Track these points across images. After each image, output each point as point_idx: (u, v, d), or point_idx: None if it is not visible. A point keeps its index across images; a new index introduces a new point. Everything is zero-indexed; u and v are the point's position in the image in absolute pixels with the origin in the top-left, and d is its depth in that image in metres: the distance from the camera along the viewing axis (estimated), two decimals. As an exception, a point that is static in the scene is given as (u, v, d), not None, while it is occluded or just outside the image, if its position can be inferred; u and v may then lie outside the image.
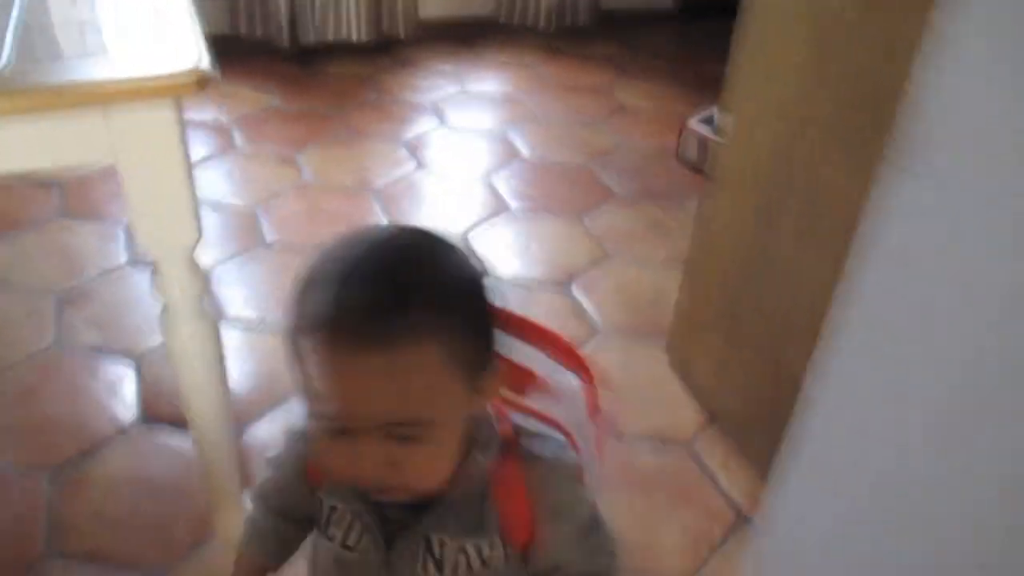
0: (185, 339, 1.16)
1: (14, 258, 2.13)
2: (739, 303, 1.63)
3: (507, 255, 2.29)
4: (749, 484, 1.61)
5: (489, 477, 0.78)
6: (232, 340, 1.87)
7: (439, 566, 0.80)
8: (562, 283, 2.18)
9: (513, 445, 0.80)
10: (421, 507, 0.78)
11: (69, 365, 1.82)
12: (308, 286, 0.68)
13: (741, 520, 1.53)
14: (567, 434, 0.86)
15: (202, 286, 1.14)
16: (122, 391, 1.77)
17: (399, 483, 0.72)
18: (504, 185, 2.58)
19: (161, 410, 1.70)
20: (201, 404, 1.23)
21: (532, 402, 0.86)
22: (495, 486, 0.78)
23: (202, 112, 2.78)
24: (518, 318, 0.83)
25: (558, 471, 0.81)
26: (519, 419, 0.83)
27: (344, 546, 0.83)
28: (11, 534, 1.46)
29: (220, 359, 1.21)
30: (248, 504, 0.95)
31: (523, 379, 0.86)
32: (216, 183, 2.51)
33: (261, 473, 0.92)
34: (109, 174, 1.85)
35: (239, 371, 1.80)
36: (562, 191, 2.56)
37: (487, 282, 0.73)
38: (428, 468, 0.73)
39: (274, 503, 0.91)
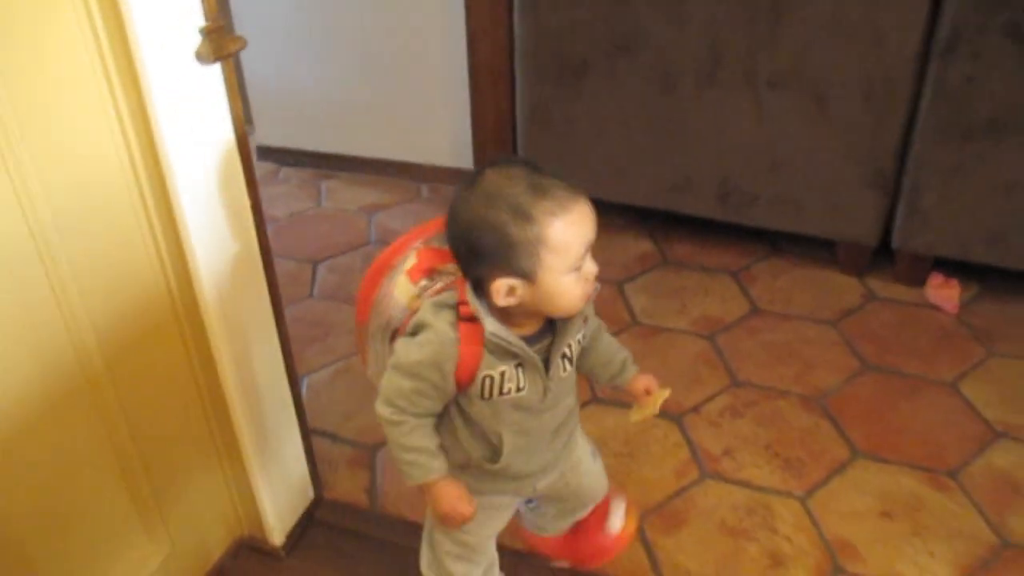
0: None
1: None
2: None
3: None
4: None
5: None
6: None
7: (571, 361, 1.16)
8: None
9: None
10: (549, 333, 1.12)
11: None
12: (536, 199, 0.98)
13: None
14: None
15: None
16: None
17: (590, 290, 1.07)
18: None
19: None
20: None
21: None
22: None
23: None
24: None
25: None
26: None
27: (518, 391, 1.11)
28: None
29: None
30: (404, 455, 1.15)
31: None
32: None
33: (394, 423, 1.12)
34: None
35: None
36: None
37: None
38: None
39: (421, 431, 1.13)
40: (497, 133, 2.62)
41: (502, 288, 1.03)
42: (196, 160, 1.27)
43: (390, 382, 1.11)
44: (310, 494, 1.70)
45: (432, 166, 2.90)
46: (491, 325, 1.05)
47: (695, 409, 1.95)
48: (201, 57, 1.22)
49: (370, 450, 1.86)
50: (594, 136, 2.43)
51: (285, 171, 3.05)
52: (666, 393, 1.26)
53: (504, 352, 1.08)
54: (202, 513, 1.52)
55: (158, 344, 1.34)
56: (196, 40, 1.21)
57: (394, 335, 1.18)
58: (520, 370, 1.10)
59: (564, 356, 1.14)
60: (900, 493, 1.74)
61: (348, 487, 1.77)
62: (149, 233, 1.27)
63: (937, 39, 2.03)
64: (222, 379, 1.44)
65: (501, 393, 1.10)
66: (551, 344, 1.12)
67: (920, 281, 2.34)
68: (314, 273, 2.48)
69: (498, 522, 1.34)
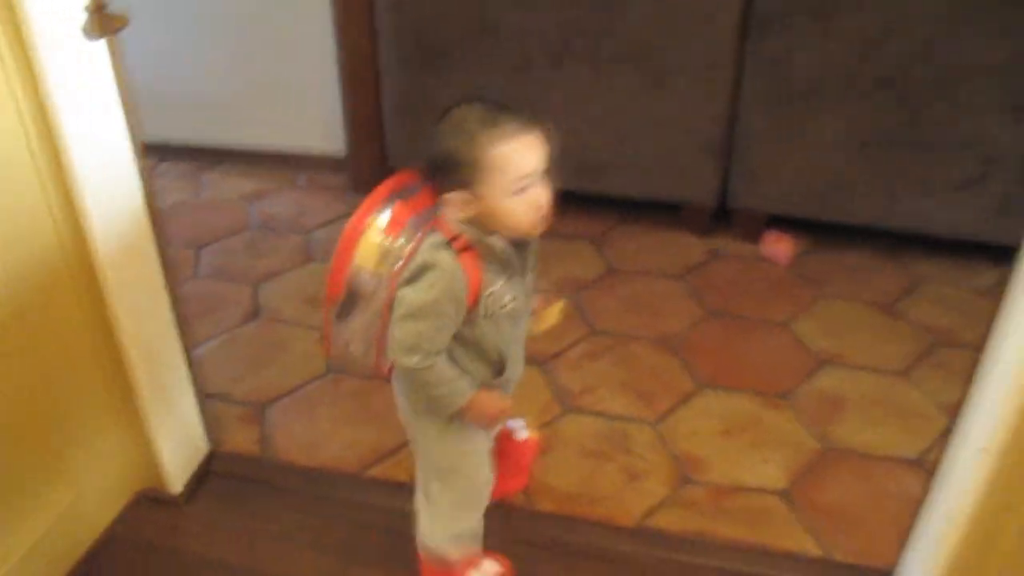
0: None
1: None
2: None
3: None
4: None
5: None
6: None
7: (533, 273, 1.33)
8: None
9: None
10: (522, 248, 1.27)
11: None
12: (484, 128, 1.15)
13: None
14: None
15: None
16: None
17: (546, 213, 1.21)
18: None
19: None
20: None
21: None
22: None
23: None
24: None
25: None
26: None
27: (512, 300, 1.26)
28: None
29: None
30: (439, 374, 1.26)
31: None
32: None
33: (423, 367, 1.24)
34: None
35: None
36: None
37: None
38: (551, 198, 1.21)
39: (443, 364, 1.26)
40: (367, 119, 2.76)
41: (457, 200, 1.19)
42: (87, 126, 1.39)
43: (408, 330, 1.22)
44: (205, 447, 1.82)
45: (307, 155, 3.03)
46: (499, 242, 1.22)
47: (556, 355, 2.15)
48: (88, 32, 1.34)
49: (260, 408, 1.99)
50: (457, 118, 2.61)
51: (164, 166, 3.12)
52: (562, 303, 1.46)
53: (498, 268, 1.24)
54: (104, 466, 1.63)
55: (55, 303, 1.46)
56: (82, 17, 1.33)
57: (353, 301, 1.30)
58: (509, 283, 1.26)
59: (531, 268, 1.32)
60: (739, 414, 1.98)
61: (241, 441, 1.90)
62: (41, 190, 1.38)
63: (752, 19, 2.30)
64: (118, 341, 1.55)
65: (502, 307, 1.26)
66: (521, 258, 1.28)
67: (757, 238, 2.61)
68: (198, 257, 2.59)
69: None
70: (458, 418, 1.33)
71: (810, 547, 1.67)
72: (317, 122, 2.94)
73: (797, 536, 1.69)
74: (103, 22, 1.36)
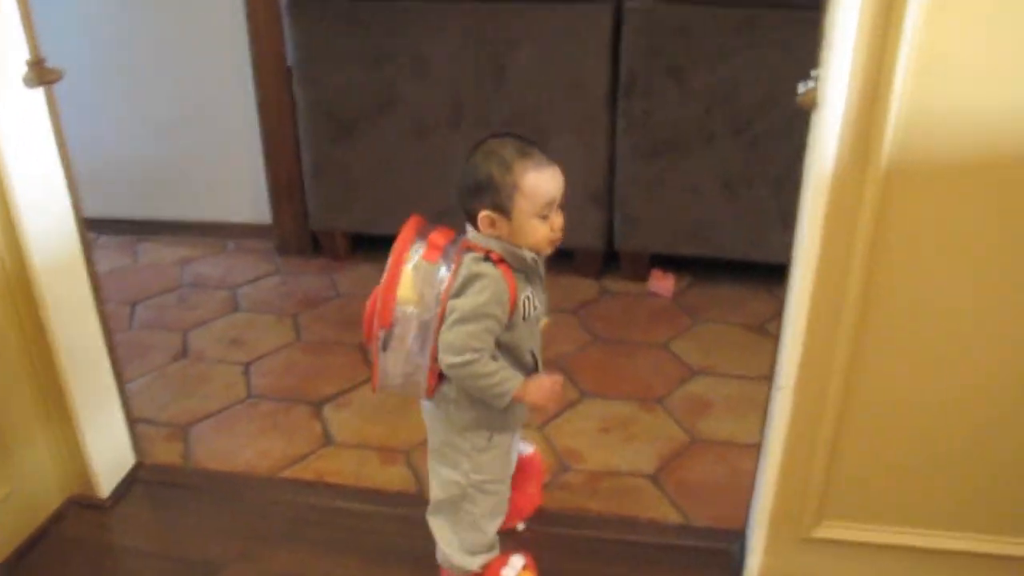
0: None
1: None
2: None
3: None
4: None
5: None
6: None
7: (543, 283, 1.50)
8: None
9: None
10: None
11: None
12: (519, 158, 1.36)
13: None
14: None
15: None
16: None
17: (558, 236, 1.42)
18: None
19: None
20: None
21: None
22: None
23: None
24: None
25: None
26: None
27: (537, 306, 1.45)
28: None
29: None
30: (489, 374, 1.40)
31: None
32: None
33: (470, 361, 1.37)
34: None
35: None
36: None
37: None
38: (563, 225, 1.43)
39: (491, 358, 1.40)
40: (289, 188, 3.04)
41: (486, 219, 1.39)
42: (27, 161, 1.65)
43: (460, 333, 1.37)
44: (132, 460, 2.02)
45: (236, 223, 3.31)
46: (529, 253, 1.41)
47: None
48: (28, 82, 1.62)
49: (183, 428, 2.20)
50: (367, 181, 2.91)
51: (104, 239, 3.37)
52: (547, 320, 1.57)
53: (527, 276, 1.43)
54: (38, 472, 1.83)
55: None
56: (23, 70, 1.61)
57: (390, 334, 1.43)
58: (536, 294, 1.45)
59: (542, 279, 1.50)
60: (617, 416, 2.23)
61: (165, 455, 2.10)
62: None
63: (620, 82, 2.64)
64: (56, 365, 1.78)
65: (534, 309, 1.45)
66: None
67: (643, 276, 2.90)
68: (133, 311, 2.82)
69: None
70: (517, 404, 1.47)
71: (673, 517, 1.90)
72: (245, 193, 3.23)
73: (662, 509, 1.92)
74: (41, 74, 1.63)
